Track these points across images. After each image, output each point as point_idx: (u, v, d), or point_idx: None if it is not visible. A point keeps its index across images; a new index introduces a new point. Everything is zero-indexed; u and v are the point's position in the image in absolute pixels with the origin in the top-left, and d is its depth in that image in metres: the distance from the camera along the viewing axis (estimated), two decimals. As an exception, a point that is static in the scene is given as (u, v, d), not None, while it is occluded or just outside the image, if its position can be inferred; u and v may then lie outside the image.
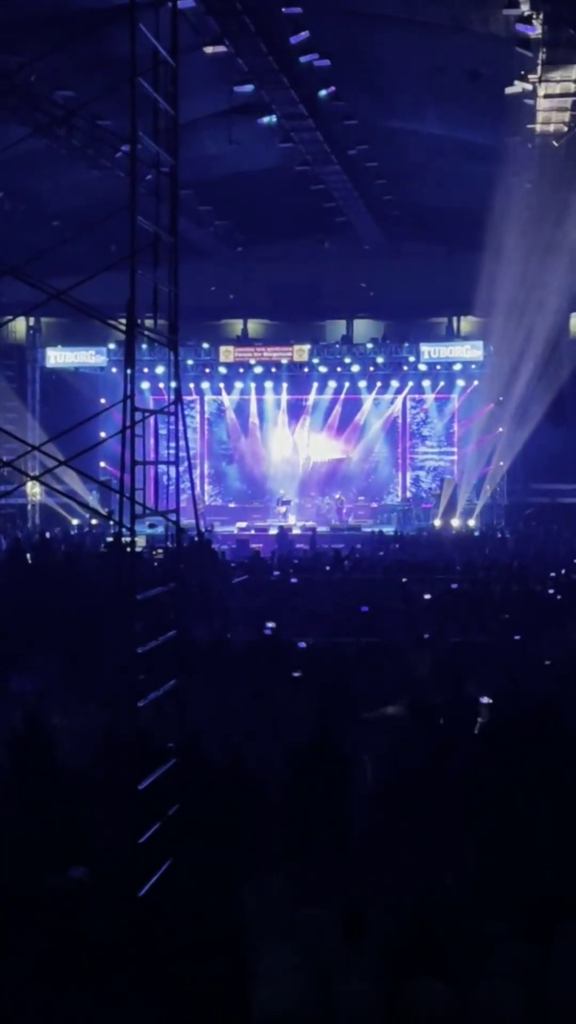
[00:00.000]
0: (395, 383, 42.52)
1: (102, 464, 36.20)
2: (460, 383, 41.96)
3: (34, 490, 40.62)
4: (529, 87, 23.98)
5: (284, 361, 42.06)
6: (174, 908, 7.79)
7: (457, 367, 41.20)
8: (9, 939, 7.28)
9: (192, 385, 42.52)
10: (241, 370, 42.60)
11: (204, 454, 44.01)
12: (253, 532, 38.78)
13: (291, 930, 7.16)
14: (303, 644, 16.86)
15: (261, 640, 17.14)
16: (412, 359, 41.26)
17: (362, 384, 42.56)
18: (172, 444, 10.07)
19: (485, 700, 12.99)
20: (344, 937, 7.02)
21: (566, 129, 26.21)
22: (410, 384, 42.56)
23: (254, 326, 44.55)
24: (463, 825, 9.29)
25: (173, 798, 9.03)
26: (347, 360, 41.77)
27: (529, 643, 17.21)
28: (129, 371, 9.23)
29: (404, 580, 23.51)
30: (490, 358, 39.75)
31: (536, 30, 21.54)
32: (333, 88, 26.65)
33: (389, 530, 38.68)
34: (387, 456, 43.62)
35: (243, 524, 40.39)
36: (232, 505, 43.33)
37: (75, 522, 39.94)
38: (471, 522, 39.33)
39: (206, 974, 6.98)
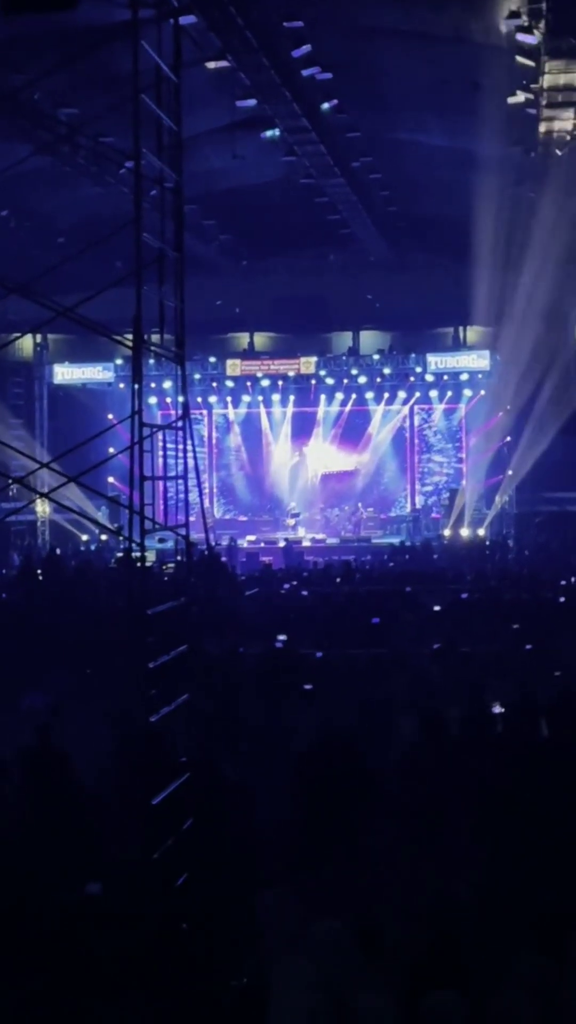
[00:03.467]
0: (402, 394, 42.47)
1: (111, 480, 36.26)
2: (467, 393, 41.91)
3: (44, 507, 40.66)
4: (531, 96, 24.01)
5: (291, 374, 42.06)
6: (189, 923, 7.79)
7: (464, 377, 41.14)
8: (24, 955, 7.28)
9: (200, 399, 42.52)
10: (248, 383, 42.58)
11: (213, 468, 44.02)
12: (263, 545, 38.80)
13: (306, 943, 7.15)
14: (320, 654, 16.89)
15: (272, 653, 17.14)
16: (419, 370, 41.23)
17: (369, 395, 42.53)
18: (181, 459, 10.10)
19: (498, 710, 12.99)
20: (360, 950, 7.01)
21: (568, 138, 26.22)
22: (417, 395, 42.53)
23: (260, 339, 44.58)
24: (477, 836, 9.28)
25: (187, 813, 9.03)
26: (354, 372, 41.74)
27: (541, 652, 17.20)
28: (136, 387, 9.27)
29: (415, 591, 23.49)
30: (497, 368, 39.75)
31: (537, 39, 21.57)
32: (335, 101, 26.68)
33: (398, 541, 38.68)
34: (395, 467, 43.57)
35: (253, 537, 40.39)
36: (242, 518, 43.31)
37: (85, 538, 39.99)
38: (481, 531, 39.30)
39: (221, 989, 6.98)
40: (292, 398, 43.03)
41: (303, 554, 35.96)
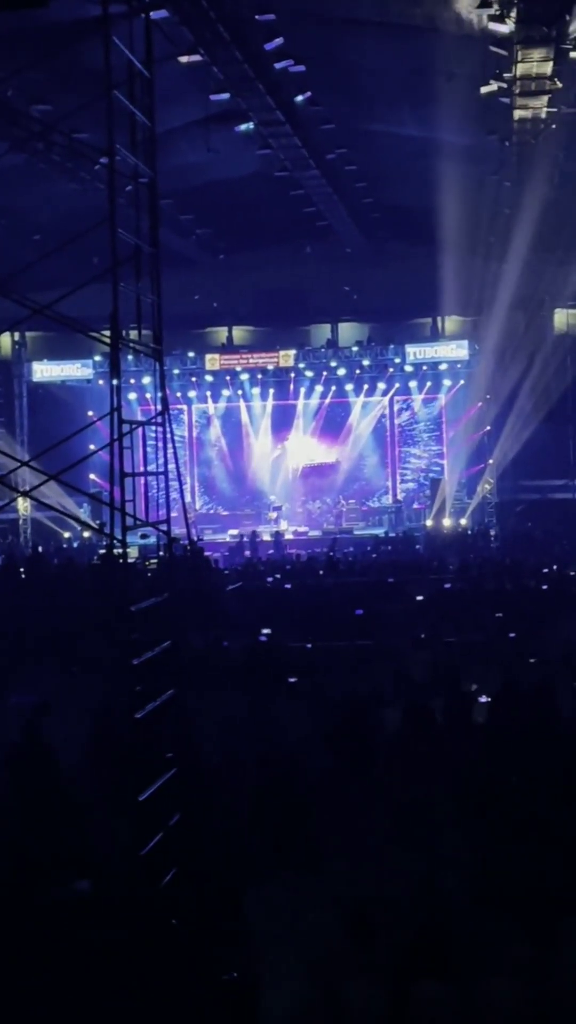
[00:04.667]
0: (382, 385, 42.49)
1: (92, 477, 36.24)
2: (447, 383, 41.95)
3: (25, 505, 40.61)
4: (504, 85, 24.01)
5: (270, 367, 42.10)
6: (178, 918, 7.80)
7: (443, 367, 41.21)
8: (13, 952, 7.28)
9: (179, 394, 42.52)
10: (227, 377, 42.60)
11: (193, 463, 44.00)
12: (245, 539, 38.81)
13: (296, 935, 7.17)
14: (309, 646, 16.91)
15: (257, 646, 17.16)
16: (398, 360, 41.27)
17: (349, 387, 42.55)
18: (161, 455, 10.10)
19: (484, 699, 13.02)
20: (349, 940, 7.03)
21: (542, 126, 26.24)
22: (397, 385, 42.54)
23: (239, 333, 44.58)
24: (464, 824, 9.30)
25: (174, 808, 9.04)
26: (333, 364, 41.77)
27: (524, 640, 17.25)
28: (115, 383, 9.26)
29: (398, 581, 23.54)
30: (475, 357, 39.83)
31: (509, 28, 21.57)
32: (309, 93, 26.65)
33: (380, 532, 38.73)
34: (376, 458, 43.59)
35: (235, 532, 40.39)
36: (223, 513, 43.31)
37: (67, 536, 39.97)
38: (463, 521, 39.37)
39: (211, 984, 6.99)
40: (272, 391, 43.04)
41: (280, 548, 36.02)
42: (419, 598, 21.30)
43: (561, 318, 41.32)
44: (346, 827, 9.47)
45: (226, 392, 43.26)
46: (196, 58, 23.78)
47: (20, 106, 25.22)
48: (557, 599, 21.10)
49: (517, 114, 25.47)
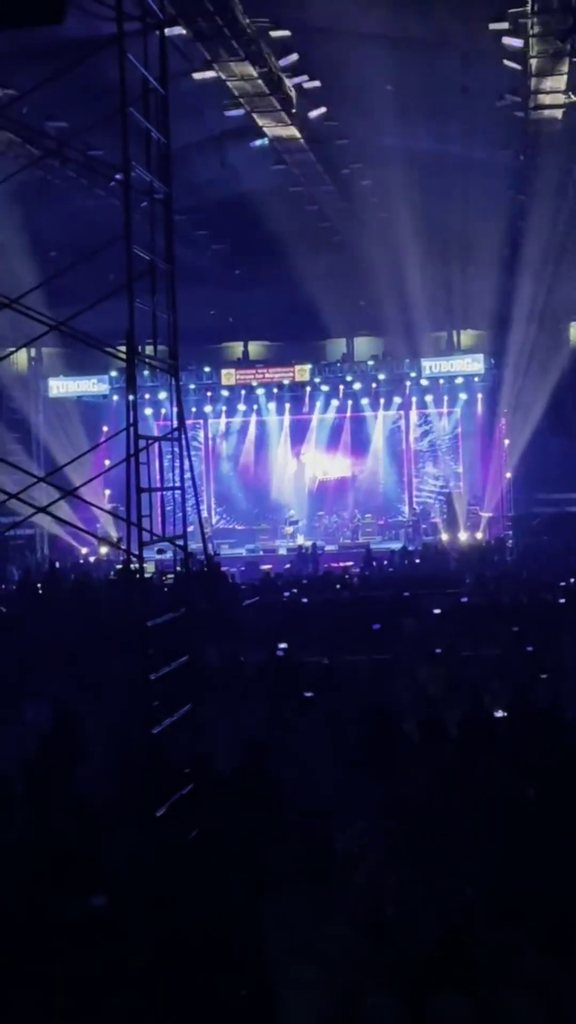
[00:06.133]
0: (397, 399, 42.50)
1: (107, 492, 36.30)
2: (462, 396, 41.88)
3: (41, 520, 40.63)
4: (518, 100, 24.08)
5: (286, 382, 42.10)
6: (193, 932, 7.79)
7: (459, 380, 41.14)
8: (29, 968, 7.28)
9: (195, 409, 42.52)
10: (243, 392, 42.63)
11: (210, 477, 44.02)
12: (262, 553, 38.82)
13: (313, 948, 7.16)
14: (324, 661, 16.89)
15: (274, 661, 17.14)
16: (414, 374, 41.23)
17: (365, 401, 42.55)
18: (177, 470, 10.12)
19: (500, 714, 12.99)
20: (366, 953, 7.02)
21: (557, 141, 26.29)
22: (413, 399, 42.57)
23: (255, 348, 44.64)
24: (482, 838, 9.28)
25: (191, 823, 9.03)
26: (349, 378, 41.78)
27: (541, 654, 17.20)
28: (131, 399, 9.28)
29: (415, 595, 23.49)
30: (491, 370, 39.80)
31: (523, 43, 21.63)
32: (324, 109, 26.76)
33: (397, 546, 38.71)
34: (393, 472, 43.54)
35: (252, 546, 40.40)
36: (240, 527, 43.31)
37: (84, 551, 40.00)
38: (479, 535, 39.31)
39: (228, 998, 6.98)
40: (287, 406, 43.06)
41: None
42: (436, 612, 21.26)
43: (577, 331, 41.35)
44: (363, 839, 9.45)
45: (242, 407, 43.27)
46: (210, 74, 23.89)
47: (36, 123, 25.35)
48: (574, 613, 21.03)
49: (531, 128, 25.53)
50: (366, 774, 10.66)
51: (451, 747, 11.69)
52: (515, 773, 10.47)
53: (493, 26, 21.76)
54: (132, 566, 9.25)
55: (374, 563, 32.52)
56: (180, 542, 10.12)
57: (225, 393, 42.66)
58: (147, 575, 10.78)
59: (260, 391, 42.40)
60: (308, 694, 14.36)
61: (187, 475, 10.27)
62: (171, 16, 19.39)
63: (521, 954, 7.09)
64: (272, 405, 43.05)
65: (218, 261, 39.37)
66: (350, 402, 42.64)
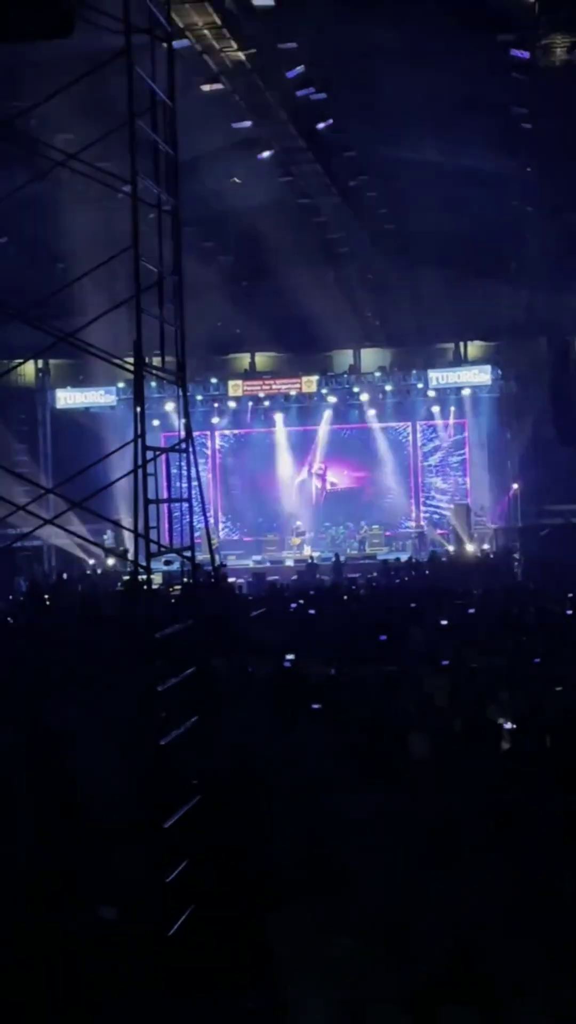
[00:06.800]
0: (405, 410, 42.54)
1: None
2: (469, 408, 41.92)
3: (48, 532, 40.58)
4: (525, 111, 24.11)
5: (293, 393, 42.18)
6: (201, 945, 7.78)
7: (466, 392, 41.12)
8: (35, 979, 7.27)
9: (202, 420, 42.56)
10: (250, 403, 42.72)
11: (217, 489, 44.04)
12: (269, 564, 38.79)
13: (322, 961, 7.14)
14: (331, 672, 16.85)
15: (281, 672, 17.10)
16: (420, 386, 41.28)
17: (371, 413, 42.58)
18: (184, 481, 10.11)
19: (508, 726, 12.95)
20: (375, 965, 6.99)
21: (564, 152, 26.32)
22: (420, 411, 42.58)
23: (262, 359, 44.67)
24: (493, 851, 9.26)
25: (199, 835, 9.02)
26: (356, 389, 41.86)
27: (549, 665, 17.16)
28: (139, 410, 9.28)
29: (422, 606, 23.46)
30: (498, 382, 39.80)
31: (530, 55, 21.66)
32: (331, 120, 26.79)
33: (404, 557, 38.66)
34: (400, 483, 43.54)
35: (258, 557, 40.41)
36: (247, 539, 43.31)
37: (91, 562, 40.00)
38: (486, 546, 39.28)
39: (236, 1008, 6.97)
40: (295, 417, 43.09)
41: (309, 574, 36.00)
42: (443, 623, 21.22)
43: (584, 343, 41.31)
44: (372, 851, 9.44)
45: (248, 418, 43.31)
46: (218, 87, 23.94)
47: (43, 136, 25.37)
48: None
49: (538, 139, 25.56)
50: (374, 786, 10.65)
51: (460, 758, 11.66)
52: (524, 785, 10.45)
53: (500, 38, 21.80)
54: (140, 577, 9.24)
55: (391, 573, 32.65)
56: (187, 553, 10.12)
57: (232, 404, 42.74)
58: (154, 586, 10.77)
59: (267, 402, 42.46)
60: (315, 705, 14.33)
61: (194, 486, 10.27)
62: (178, 29, 19.44)
63: (531, 967, 7.06)
64: (279, 416, 43.10)
65: (225, 272, 39.40)
66: (357, 413, 42.66)
